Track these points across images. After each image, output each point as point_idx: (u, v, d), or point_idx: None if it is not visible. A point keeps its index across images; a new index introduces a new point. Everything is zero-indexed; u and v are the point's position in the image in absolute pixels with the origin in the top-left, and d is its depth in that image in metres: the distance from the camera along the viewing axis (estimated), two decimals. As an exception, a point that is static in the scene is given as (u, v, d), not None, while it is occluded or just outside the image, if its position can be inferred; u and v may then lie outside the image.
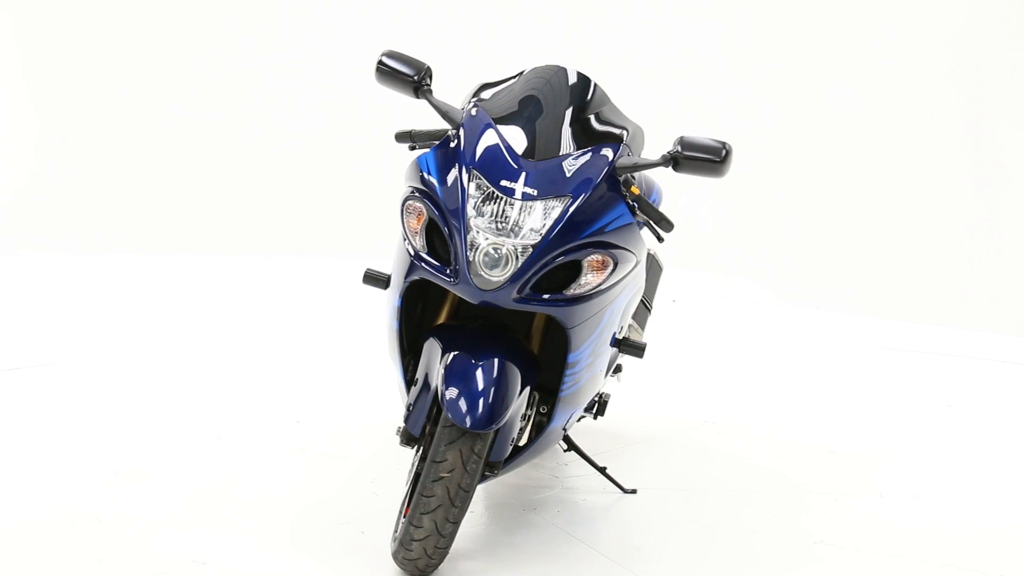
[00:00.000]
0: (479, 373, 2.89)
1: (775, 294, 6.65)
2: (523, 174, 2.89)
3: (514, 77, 3.18)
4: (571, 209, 2.86)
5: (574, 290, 2.89)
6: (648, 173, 4.13)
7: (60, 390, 4.64)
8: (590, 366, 3.07)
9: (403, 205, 3.00)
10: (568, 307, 2.90)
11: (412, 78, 3.18)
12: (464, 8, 7.75)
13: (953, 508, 3.73)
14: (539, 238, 2.85)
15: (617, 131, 3.09)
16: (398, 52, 3.24)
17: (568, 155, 2.95)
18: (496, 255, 2.85)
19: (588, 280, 2.90)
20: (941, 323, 6.17)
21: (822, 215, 6.97)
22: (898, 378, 5.35)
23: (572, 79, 3.13)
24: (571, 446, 3.63)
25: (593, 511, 3.56)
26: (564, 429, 3.31)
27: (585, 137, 3.02)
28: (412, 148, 3.20)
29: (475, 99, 3.14)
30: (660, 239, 3.15)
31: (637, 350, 3.24)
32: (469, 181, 2.90)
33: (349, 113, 7.67)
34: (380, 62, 3.21)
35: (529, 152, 2.94)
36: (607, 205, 2.93)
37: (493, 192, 2.87)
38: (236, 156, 7.77)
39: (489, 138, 2.96)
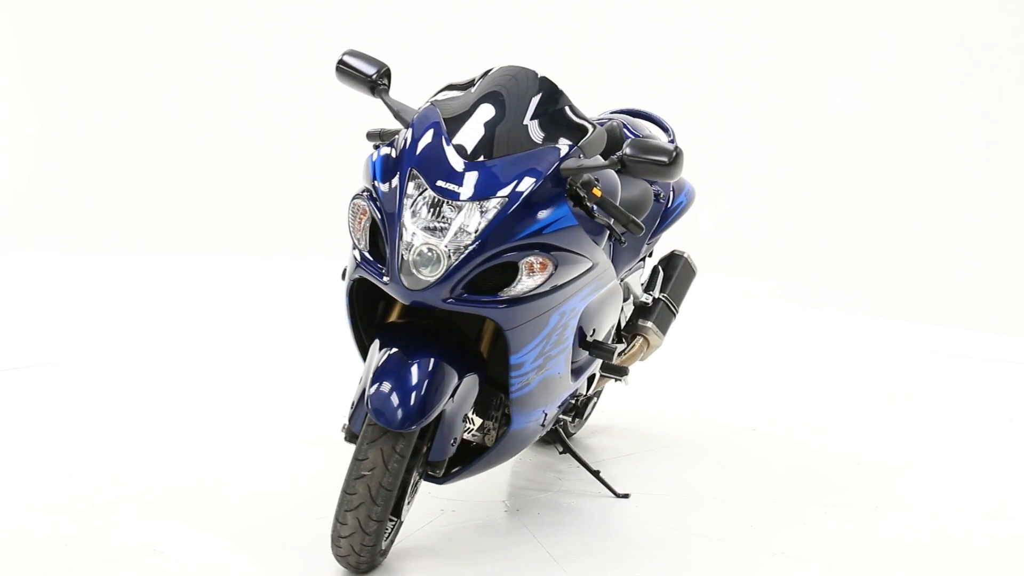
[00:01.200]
0: (405, 372, 2.90)
1: (781, 293, 6.65)
2: (462, 175, 2.89)
3: (481, 77, 3.17)
4: (507, 211, 2.86)
5: (510, 292, 2.89)
6: (683, 175, 4.13)
7: (60, 390, 4.64)
8: (540, 368, 3.06)
9: (350, 204, 3.02)
10: (505, 309, 2.89)
11: (369, 77, 3.22)
12: (464, 9, 7.75)
13: (950, 526, 3.61)
14: (471, 239, 2.85)
15: (572, 134, 3.07)
16: (359, 51, 3.28)
17: (512, 156, 2.94)
18: (428, 255, 2.86)
19: (525, 282, 2.90)
20: (977, 328, 6.04)
21: (828, 215, 6.97)
22: (936, 384, 5.24)
23: (531, 80, 3.12)
24: (566, 448, 3.63)
25: (573, 514, 3.54)
26: (545, 428, 3.33)
27: (536, 139, 3.01)
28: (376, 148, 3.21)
29: (432, 99, 3.15)
30: (621, 242, 3.15)
31: (607, 354, 3.24)
32: (408, 181, 2.92)
33: (349, 114, 7.67)
34: (340, 60, 3.26)
35: (476, 153, 2.94)
36: (547, 207, 2.91)
37: (430, 193, 2.89)
38: (236, 156, 7.77)
39: (434, 138, 2.98)
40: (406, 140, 3.00)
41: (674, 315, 4.01)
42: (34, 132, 7.95)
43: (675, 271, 4.09)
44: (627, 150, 2.93)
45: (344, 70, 3.25)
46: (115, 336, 5.47)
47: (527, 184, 2.90)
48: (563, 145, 3.01)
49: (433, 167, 2.91)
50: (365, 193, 3.00)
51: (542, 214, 2.90)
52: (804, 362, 5.53)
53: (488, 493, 3.68)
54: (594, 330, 3.30)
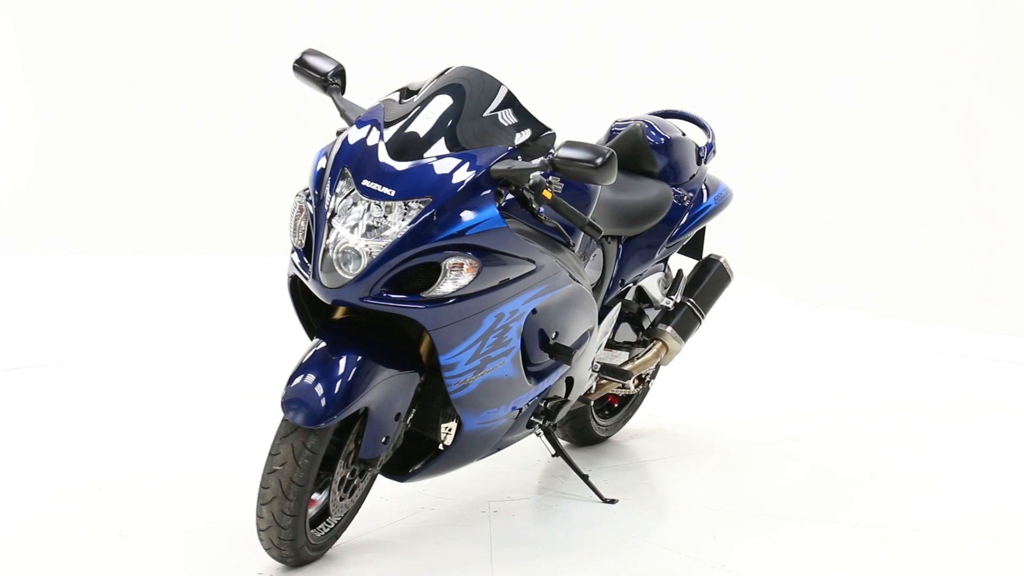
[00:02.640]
0: (321, 370, 2.92)
1: (780, 293, 6.64)
2: (389, 175, 2.90)
3: (436, 77, 3.17)
4: (429, 211, 2.86)
5: (432, 293, 2.89)
6: (714, 174, 4.12)
7: (60, 390, 4.64)
8: (478, 370, 3.04)
9: (292, 202, 3.06)
10: (426, 309, 2.89)
11: (321, 76, 3.27)
12: (462, 10, 7.75)
13: (936, 547, 3.46)
14: (391, 238, 2.85)
15: (510, 136, 3.06)
16: (317, 51, 3.32)
17: (444, 157, 2.94)
18: (348, 253, 2.87)
19: (448, 283, 2.89)
20: (977, 328, 5.94)
21: (828, 215, 6.97)
22: (936, 384, 5.17)
23: (478, 82, 3.11)
24: (558, 451, 3.61)
25: (550, 518, 3.52)
26: (519, 432, 3.35)
27: (473, 140, 3.00)
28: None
29: (383, 98, 3.16)
30: (569, 245, 3.13)
31: (565, 357, 3.23)
32: (339, 180, 2.94)
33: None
34: (297, 59, 3.29)
35: (408, 153, 2.94)
36: (473, 209, 2.91)
37: (355, 191, 2.90)
38: (236, 156, 7.77)
39: (369, 137, 2.99)
40: (344, 139, 3.02)
41: (699, 320, 3.94)
42: (34, 132, 7.95)
43: (707, 276, 4.03)
44: (558, 152, 2.92)
45: (299, 68, 3.30)
46: (115, 336, 5.47)
47: (452, 185, 2.89)
48: (497, 147, 3.00)
49: (363, 166, 2.93)
50: (305, 191, 3.03)
51: (467, 216, 2.90)
52: (804, 363, 5.51)
53: (476, 493, 3.67)
54: (556, 333, 3.28)
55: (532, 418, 3.40)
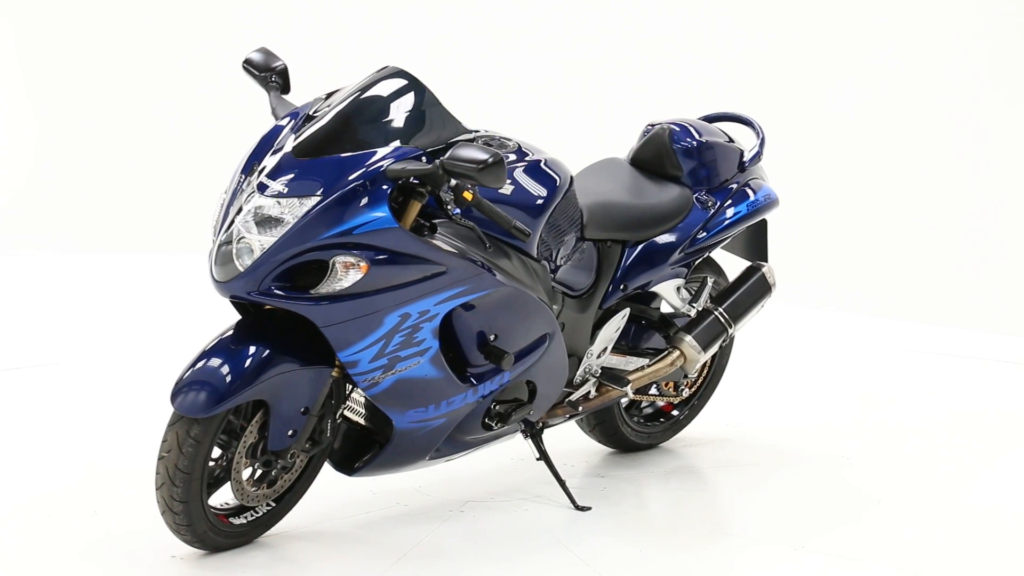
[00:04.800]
0: (212, 360, 3.00)
1: (780, 293, 6.62)
2: (288, 172, 2.96)
3: (365, 79, 3.21)
4: (318, 209, 2.90)
5: (319, 290, 2.93)
6: (764, 173, 4.03)
7: (60, 390, 4.64)
8: (387, 368, 3.05)
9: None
10: (315, 306, 2.93)
11: (262, 74, 3.36)
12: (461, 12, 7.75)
13: None
14: (279, 234, 2.90)
15: (414, 136, 3.07)
16: (266, 49, 3.41)
17: (342, 156, 2.97)
18: (240, 248, 2.94)
19: (336, 281, 2.93)
20: (977, 328, 5.84)
21: (828, 215, 6.97)
22: (937, 385, 5.09)
23: (401, 82, 3.13)
24: (542, 455, 3.59)
25: (513, 521, 3.50)
26: (486, 434, 3.36)
27: (383, 140, 3.02)
28: None
29: (314, 98, 3.20)
30: (486, 246, 3.11)
31: (496, 359, 3.23)
32: (246, 176, 3.03)
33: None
34: (246, 57, 3.39)
35: (312, 150, 2.98)
36: (364, 208, 2.92)
37: (254, 187, 2.97)
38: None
39: (280, 135, 3.07)
40: (261, 136, 3.09)
41: (725, 330, 3.81)
42: (34, 132, 7.95)
43: (742, 285, 3.90)
44: (448, 153, 2.93)
45: (245, 66, 3.40)
46: (115, 336, 5.47)
47: (342, 184, 2.92)
48: (402, 148, 3.01)
49: (268, 163, 3.01)
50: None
51: (356, 214, 2.92)
52: (804, 364, 5.48)
53: (453, 493, 3.67)
54: (495, 336, 3.25)
55: (485, 420, 3.37)
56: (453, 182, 2.96)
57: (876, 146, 6.94)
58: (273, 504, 3.24)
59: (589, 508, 3.58)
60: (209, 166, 7.75)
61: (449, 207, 3.01)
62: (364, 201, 2.93)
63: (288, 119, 3.11)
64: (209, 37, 7.89)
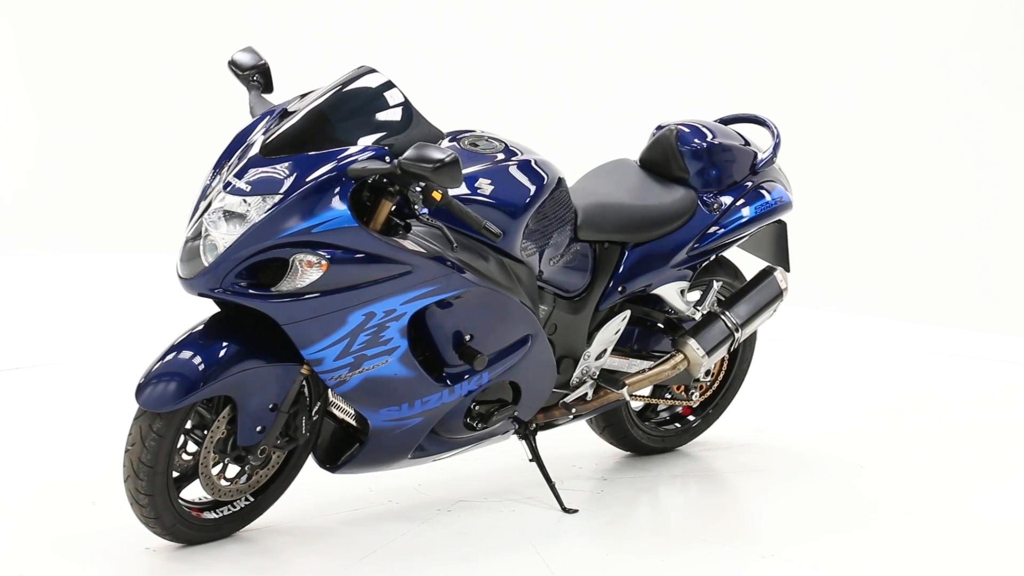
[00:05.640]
0: (178, 354, 3.02)
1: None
2: (252, 170, 2.98)
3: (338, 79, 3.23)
4: (279, 207, 2.92)
5: (279, 287, 2.95)
6: (782, 175, 4.00)
7: (60, 390, 4.64)
8: (354, 367, 3.06)
9: None
10: (275, 304, 2.95)
11: (243, 73, 3.43)
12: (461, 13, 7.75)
13: None
14: (240, 232, 2.93)
15: (381, 136, 3.06)
16: (251, 48, 3.48)
17: (307, 155, 2.99)
18: (205, 244, 2.97)
19: (295, 279, 2.95)
20: (977, 328, 5.78)
21: (828, 215, 6.97)
22: (937, 384, 5.05)
23: (372, 83, 3.14)
24: (534, 455, 3.58)
25: (495, 523, 3.49)
26: (472, 434, 3.35)
27: (342, 139, 3.03)
28: None
29: (291, 98, 3.22)
30: (452, 246, 3.09)
31: (469, 359, 3.22)
32: (217, 174, 3.07)
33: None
34: (231, 57, 3.47)
35: (279, 149, 3.00)
36: (324, 207, 2.94)
37: (221, 185, 3.01)
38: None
39: (251, 133, 3.11)
40: (234, 135, 3.13)
41: (731, 334, 3.75)
42: (34, 132, 7.95)
43: (752, 288, 3.85)
44: (405, 153, 2.94)
45: (229, 65, 3.47)
46: (115, 336, 5.47)
47: (303, 183, 2.94)
48: (367, 148, 3.01)
49: (236, 161, 3.04)
50: None
51: (316, 213, 2.93)
52: (831, 368, 5.38)
53: (449, 493, 3.66)
54: (471, 336, 3.25)
55: (467, 420, 3.37)
56: (425, 182, 2.97)
57: (876, 146, 6.94)
58: (251, 499, 3.24)
59: (576, 511, 3.55)
60: (209, 166, 7.76)
61: (416, 207, 3.00)
62: (324, 200, 2.95)
63: (262, 120, 3.14)
64: (209, 37, 7.88)
